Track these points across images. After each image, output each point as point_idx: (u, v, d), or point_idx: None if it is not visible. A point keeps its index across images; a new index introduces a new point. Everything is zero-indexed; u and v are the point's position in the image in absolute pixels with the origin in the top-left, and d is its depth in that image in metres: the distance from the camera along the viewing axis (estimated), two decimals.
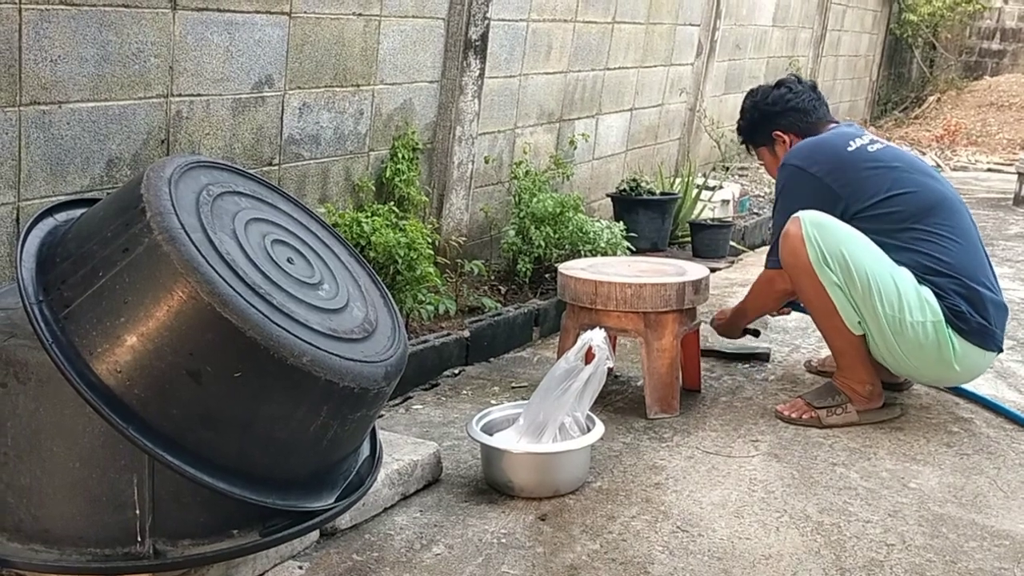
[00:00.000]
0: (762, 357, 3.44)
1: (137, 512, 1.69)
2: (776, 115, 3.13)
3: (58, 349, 1.61)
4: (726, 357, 3.46)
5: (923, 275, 2.76)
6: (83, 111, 2.50)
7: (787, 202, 2.93)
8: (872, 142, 2.97)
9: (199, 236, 1.69)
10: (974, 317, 2.74)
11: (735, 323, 3.25)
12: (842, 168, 2.90)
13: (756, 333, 3.35)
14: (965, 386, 3.14)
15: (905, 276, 2.75)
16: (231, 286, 1.65)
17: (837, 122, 3.15)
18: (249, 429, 1.70)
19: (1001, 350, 2.86)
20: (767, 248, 3.07)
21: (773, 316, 3.43)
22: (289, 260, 1.87)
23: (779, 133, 3.13)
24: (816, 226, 2.77)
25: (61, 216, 1.88)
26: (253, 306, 1.65)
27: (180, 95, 2.74)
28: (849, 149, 2.93)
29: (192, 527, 1.74)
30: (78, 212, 1.89)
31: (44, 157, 2.44)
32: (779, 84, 3.18)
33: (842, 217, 2.84)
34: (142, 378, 1.62)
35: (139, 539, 1.70)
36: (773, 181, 3.13)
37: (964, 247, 2.81)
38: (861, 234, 2.79)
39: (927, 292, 2.74)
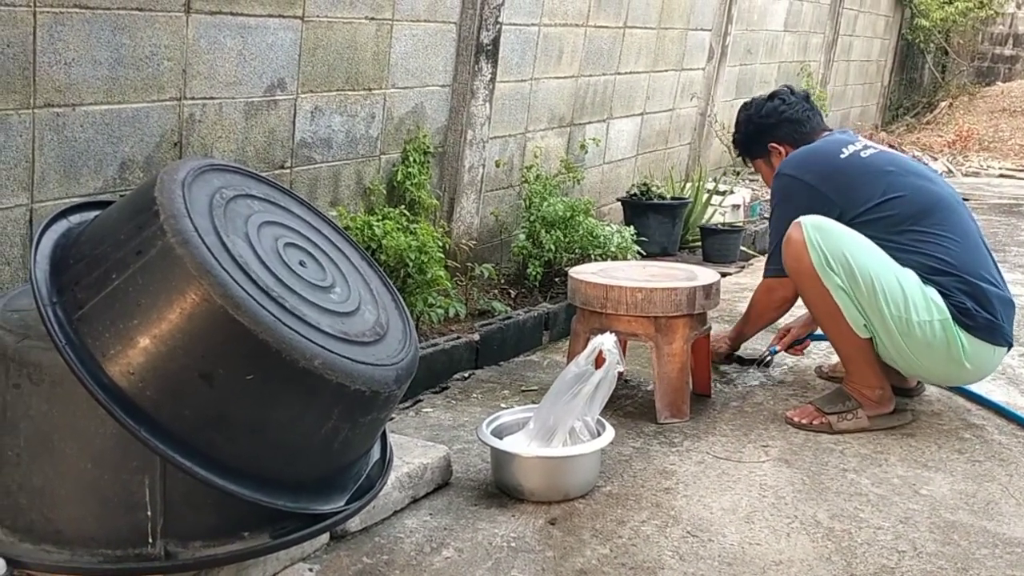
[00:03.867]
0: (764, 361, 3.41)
1: (149, 513, 1.70)
2: (771, 127, 3.15)
3: (71, 350, 1.61)
4: (743, 363, 3.44)
5: (926, 275, 2.77)
6: (96, 113, 2.51)
7: (784, 211, 2.94)
8: (865, 147, 2.99)
9: (212, 239, 1.70)
10: (980, 313, 2.74)
11: (737, 338, 3.28)
12: (836, 175, 2.91)
13: (767, 364, 3.36)
14: (978, 391, 3.13)
15: (910, 276, 2.75)
16: (244, 289, 1.65)
17: (831, 130, 3.17)
18: (260, 431, 1.70)
19: (1011, 345, 2.86)
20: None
21: (788, 353, 3.41)
22: (301, 263, 1.87)
23: (774, 144, 3.16)
24: (818, 230, 2.77)
25: (75, 218, 1.88)
26: (265, 309, 1.66)
27: (193, 98, 2.75)
28: (842, 156, 2.94)
29: (203, 529, 1.74)
30: (92, 214, 1.89)
31: (58, 159, 2.45)
32: (772, 96, 3.21)
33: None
34: (154, 380, 1.63)
35: (150, 540, 1.71)
36: None
37: (964, 245, 2.82)
38: (863, 237, 2.80)
39: (932, 292, 2.74)
